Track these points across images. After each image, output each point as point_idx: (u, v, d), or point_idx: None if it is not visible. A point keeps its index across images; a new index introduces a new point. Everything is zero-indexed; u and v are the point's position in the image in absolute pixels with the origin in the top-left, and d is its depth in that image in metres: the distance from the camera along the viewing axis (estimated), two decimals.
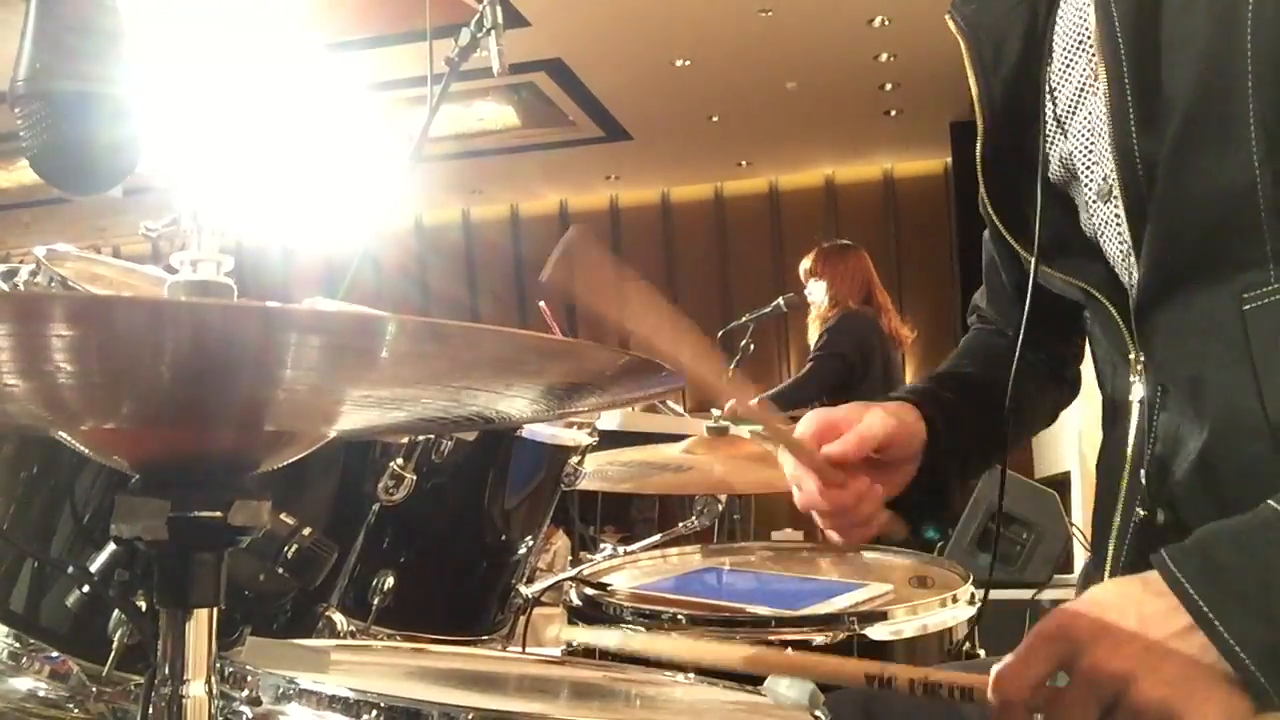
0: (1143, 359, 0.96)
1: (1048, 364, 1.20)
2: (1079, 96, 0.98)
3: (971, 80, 1.04)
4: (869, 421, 1.02)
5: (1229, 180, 0.83)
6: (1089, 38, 0.94)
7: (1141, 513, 0.95)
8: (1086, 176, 0.98)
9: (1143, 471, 0.95)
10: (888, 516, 1.05)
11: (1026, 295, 1.03)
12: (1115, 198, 0.94)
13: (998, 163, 1.06)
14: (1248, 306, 0.84)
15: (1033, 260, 1.02)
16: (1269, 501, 0.77)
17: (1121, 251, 0.96)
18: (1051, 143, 1.00)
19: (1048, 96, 1.00)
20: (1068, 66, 0.98)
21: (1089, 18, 0.92)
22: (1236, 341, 0.84)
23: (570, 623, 1.58)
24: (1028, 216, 1.03)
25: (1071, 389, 1.26)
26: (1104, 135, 0.94)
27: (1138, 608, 0.76)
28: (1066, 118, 0.99)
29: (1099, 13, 0.90)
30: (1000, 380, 1.11)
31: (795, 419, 1.08)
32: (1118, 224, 0.95)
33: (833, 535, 1.04)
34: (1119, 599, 0.78)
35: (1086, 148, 0.97)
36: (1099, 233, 0.98)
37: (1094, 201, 0.98)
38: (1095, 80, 0.94)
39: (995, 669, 0.78)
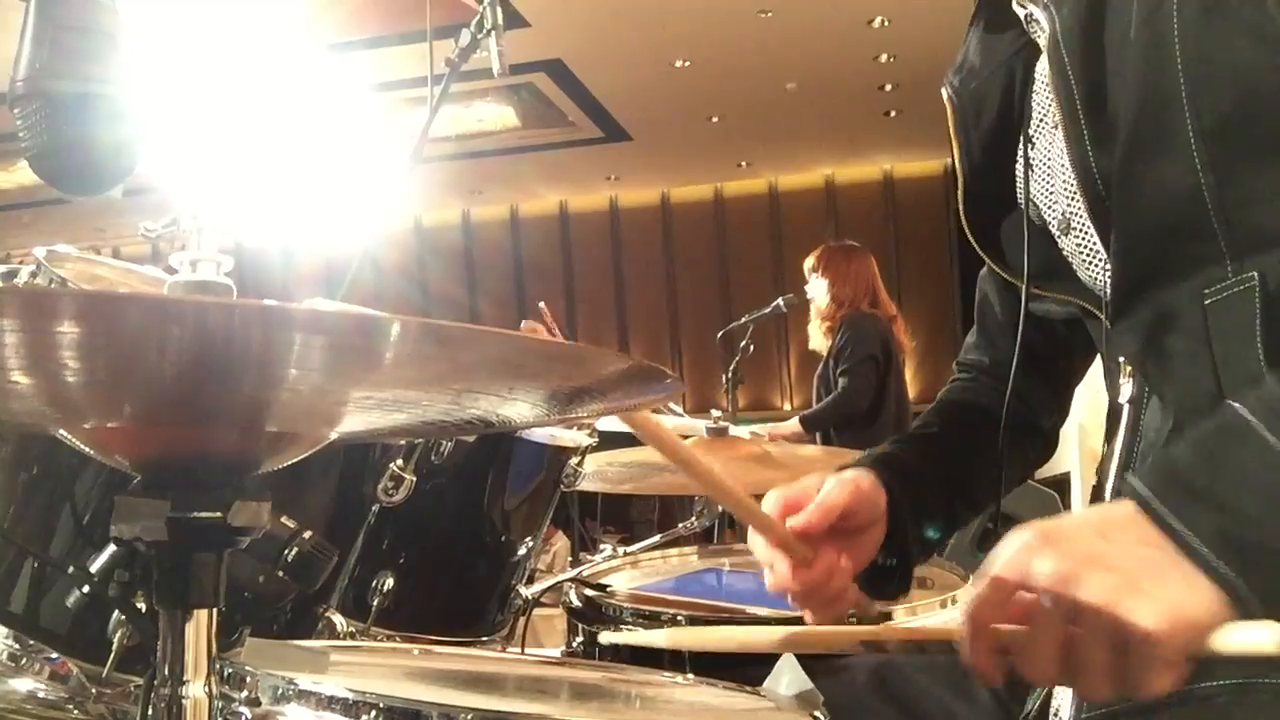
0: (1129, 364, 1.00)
1: (1026, 414, 1.22)
2: (1047, 143, 1.05)
3: (953, 141, 1.13)
4: (828, 491, 1.02)
5: (1174, 185, 0.88)
6: (1047, 84, 1.01)
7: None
8: (1049, 214, 1.06)
9: (1129, 470, 0.98)
10: (856, 592, 1.04)
11: (1019, 324, 1.09)
12: (1074, 230, 1.01)
13: (980, 208, 1.13)
14: (1209, 301, 0.87)
15: (1023, 287, 1.07)
16: (1227, 400, 0.78)
17: (1091, 275, 1.02)
18: (1031, 184, 1.08)
19: (1028, 145, 1.08)
20: (1041, 119, 1.07)
21: (1045, 66, 0.99)
22: (1198, 335, 0.88)
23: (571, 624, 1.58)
24: (1012, 250, 1.10)
25: (1046, 444, 1.27)
26: (1060, 172, 1.02)
27: (1100, 519, 0.78)
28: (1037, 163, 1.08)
29: (1051, 58, 0.97)
30: (970, 436, 1.16)
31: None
32: (1080, 254, 1.02)
33: (806, 615, 1.03)
34: (1083, 513, 0.81)
35: (1047, 189, 1.05)
36: (1070, 262, 1.05)
37: (1058, 236, 1.05)
38: (1054, 125, 1.01)
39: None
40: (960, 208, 1.14)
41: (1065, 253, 1.05)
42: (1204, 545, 0.71)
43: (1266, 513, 0.72)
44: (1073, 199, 1.00)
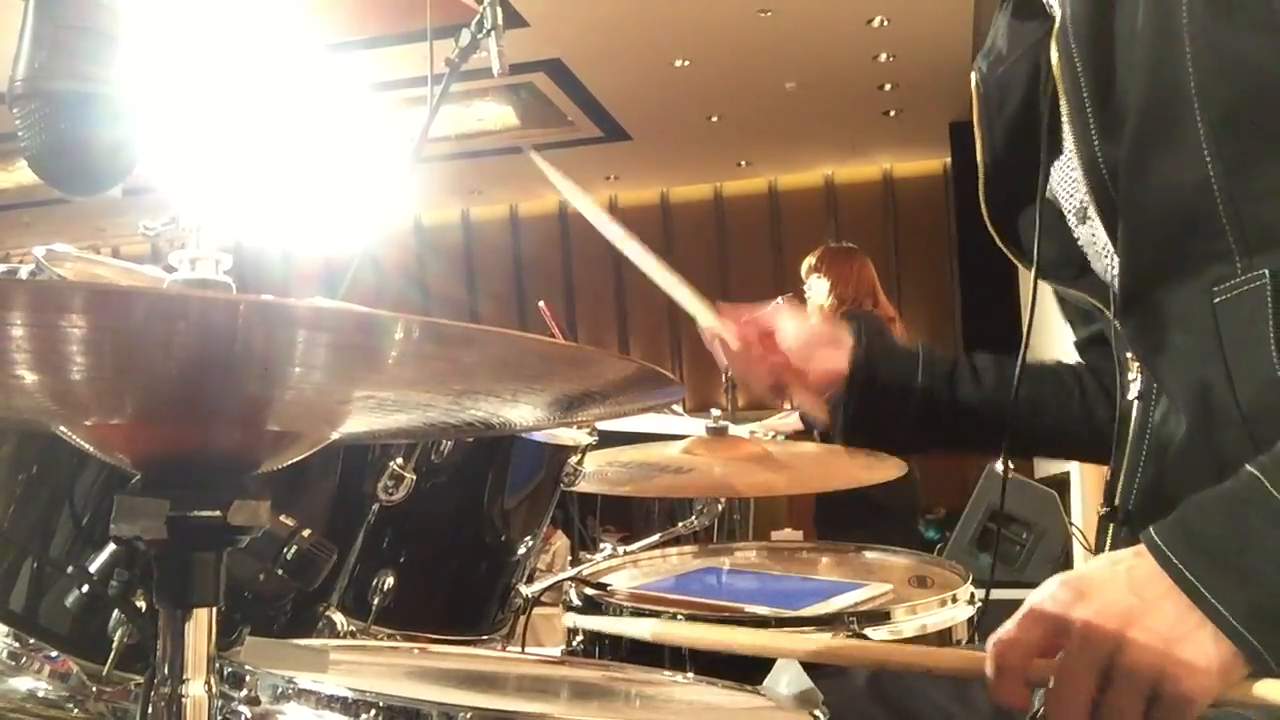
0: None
1: (1105, 389, 1.21)
2: (1068, 130, 1.04)
3: (976, 128, 1.12)
4: (783, 321, 1.20)
5: (1183, 176, 0.87)
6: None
7: (1136, 507, 0.98)
8: (1067, 204, 1.05)
9: (1140, 468, 0.98)
10: (807, 396, 1.22)
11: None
12: (1090, 219, 1.00)
13: (1000, 197, 1.13)
14: (1218, 299, 0.87)
15: (1033, 275, 1.08)
16: (1246, 466, 0.79)
17: (1100, 268, 1.01)
18: (1049, 174, 1.07)
19: (1047, 132, 1.06)
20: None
21: (1054, 56, 0.98)
22: (1209, 334, 0.87)
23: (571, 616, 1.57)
24: (1030, 240, 1.09)
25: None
26: (1074, 161, 1.00)
27: (1128, 573, 0.79)
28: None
29: (1059, 48, 0.96)
30: (1007, 378, 1.17)
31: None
32: (1094, 243, 1.01)
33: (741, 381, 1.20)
34: (1110, 565, 0.81)
35: (1066, 177, 1.04)
36: (1085, 252, 1.04)
37: (1075, 225, 1.04)
38: (1064, 115, 1.00)
39: (991, 638, 0.80)
40: (981, 195, 1.12)
41: (1080, 243, 1.03)
42: (1238, 621, 0.74)
43: None
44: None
